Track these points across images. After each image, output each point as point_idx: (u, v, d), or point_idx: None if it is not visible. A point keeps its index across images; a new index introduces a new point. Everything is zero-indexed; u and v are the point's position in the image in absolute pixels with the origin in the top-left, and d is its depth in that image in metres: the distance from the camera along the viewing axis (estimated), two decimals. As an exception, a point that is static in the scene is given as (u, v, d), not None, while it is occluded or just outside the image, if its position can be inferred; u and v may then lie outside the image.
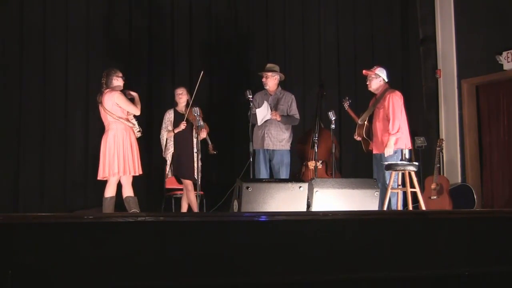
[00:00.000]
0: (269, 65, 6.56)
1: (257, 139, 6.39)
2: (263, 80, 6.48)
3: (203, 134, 6.22)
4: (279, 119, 6.34)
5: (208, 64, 7.65)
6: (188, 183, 6.26)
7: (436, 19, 8.38)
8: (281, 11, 8.07)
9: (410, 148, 6.08)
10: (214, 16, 7.74)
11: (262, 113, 6.30)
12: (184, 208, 6.34)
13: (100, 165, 5.66)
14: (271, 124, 6.35)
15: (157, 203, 6.82)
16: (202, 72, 6.21)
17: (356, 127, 6.20)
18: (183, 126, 6.23)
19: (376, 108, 6.07)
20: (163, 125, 6.44)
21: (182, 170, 6.29)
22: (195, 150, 6.23)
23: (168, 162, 6.35)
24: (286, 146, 6.45)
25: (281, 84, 6.74)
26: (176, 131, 6.28)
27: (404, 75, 8.45)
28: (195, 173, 6.16)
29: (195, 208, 6.10)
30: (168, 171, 6.37)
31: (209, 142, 6.31)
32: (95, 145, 6.99)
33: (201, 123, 6.04)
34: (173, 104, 6.51)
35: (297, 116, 6.53)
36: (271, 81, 6.48)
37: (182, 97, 6.42)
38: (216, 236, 3.03)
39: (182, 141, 6.30)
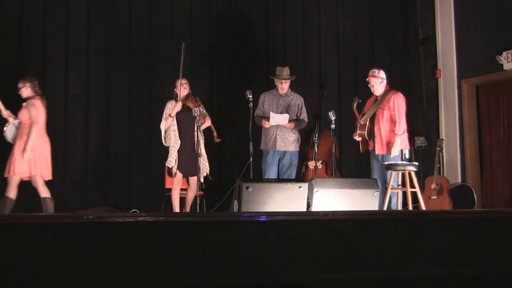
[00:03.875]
0: (286, 70, 6.52)
1: (268, 141, 6.42)
2: (282, 85, 6.48)
3: (208, 122, 6.18)
4: (292, 128, 6.40)
5: (208, 64, 7.66)
6: (194, 181, 6.11)
7: (436, 19, 8.38)
8: (281, 11, 8.07)
9: (409, 148, 6.10)
10: (214, 16, 7.73)
11: (277, 119, 6.33)
12: (176, 204, 6.14)
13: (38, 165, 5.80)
14: (281, 126, 6.39)
15: (157, 203, 6.82)
16: (183, 44, 6.09)
17: (358, 127, 6.18)
18: (179, 107, 6.07)
19: (378, 108, 6.07)
20: (164, 115, 6.20)
21: (188, 167, 6.11)
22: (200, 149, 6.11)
23: (175, 158, 6.11)
24: (296, 147, 6.51)
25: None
26: (173, 114, 6.10)
27: (404, 75, 8.44)
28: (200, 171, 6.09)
29: (188, 208, 6.06)
30: (174, 167, 6.11)
31: (213, 130, 6.24)
32: (95, 145, 7.01)
33: (204, 111, 6.03)
34: (173, 97, 6.32)
35: (306, 119, 6.58)
36: (288, 84, 6.53)
37: (186, 87, 6.22)
38: (216, 236, 3.03)
39: (186, 138, 6.12)
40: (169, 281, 2.90)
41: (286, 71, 6.51)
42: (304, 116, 6.54)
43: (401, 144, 5.97)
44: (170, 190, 6.67)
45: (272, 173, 6.42)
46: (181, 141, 6.12)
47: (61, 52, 6.89)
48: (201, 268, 2.96)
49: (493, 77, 7.71)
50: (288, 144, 6.42)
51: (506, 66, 7.44)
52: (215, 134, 6.20)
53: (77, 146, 6.92)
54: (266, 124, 6.38)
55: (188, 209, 6.10)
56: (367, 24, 8.37)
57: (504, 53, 7.41)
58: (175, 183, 6.18)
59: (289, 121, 6.38)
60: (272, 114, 6.33)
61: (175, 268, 2.92)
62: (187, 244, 2.97)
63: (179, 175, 6.15)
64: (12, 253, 2.72)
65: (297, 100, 6.56)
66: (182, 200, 6.59)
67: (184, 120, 6.15)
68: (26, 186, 6.60)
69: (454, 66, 8.14)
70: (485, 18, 7.76)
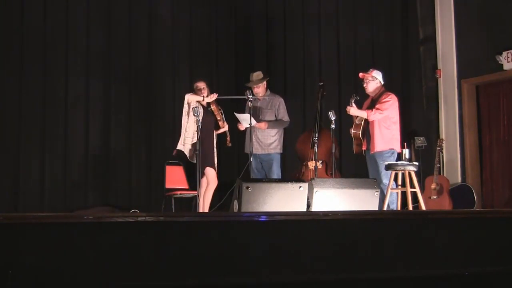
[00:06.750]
0: (255, 75, 6.56)
1: (247, 144, 6.45)
2: (255, 90, 6.52)
3: (226, 127, 6.18)
4: (264, 127, 6.43)
5: (209, 64, 7.66)
6: (211, 176, 5.98)
7: (436, 19, 8.36)
8: (281, 10, 8.07)
9: (400, 151, 6.06)
10: (214, 16, 7.74)
11: (244, 122, 6.33)
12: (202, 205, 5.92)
13: None
14: (258, 129, 6.44)
15: (157, 203, 6.82)
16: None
17: (353, 126, 6.20)
18: (214, 95, 5.95)
19: (373, 108, 6.07)
20: (185, 109, 5.96)
21: (205, 159, 5.93)
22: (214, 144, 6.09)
23: (189, 146, 5.93)
24: (276, 149, 6.55)
25: (282, 83, 6.71)
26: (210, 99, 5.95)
27: (404, 75, 8.44)
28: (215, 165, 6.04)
29: (206, 208, 5.90)
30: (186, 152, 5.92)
31: (228, 135, 6.26)
32: (95, 145, 7.01)
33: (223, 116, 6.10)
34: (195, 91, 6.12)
35: (286, 119, 6.60)
36: (261, 88, 6.57)
37: (204, 92, 6.03)
38: (216, 236, 3.03)
39: (205, 134, 5.95)
40: (169, 281, 2.90)
41: (255, 76, 6.58)
42: (282, 116, 6.57)
43: (394, 144, 5.99)
44: (170, 190, 6.69)
45: (255, 174, 6.48)
46: (201, 138, 5.79)
47: (61, 53, 6.90)
48: (201, 268, 2.96)
49: (493, 77, 7.70)
50: (265, 147, 6.50)
51: (506, 66, 7.43)
52: (228, 138, 6.23)
53: (77, 146, 6.92)
54: (240, 127, 6.42)
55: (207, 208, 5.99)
56: (367, 24, 8.37)
57: (504, 53, 7.40)
58: (204, 183, 5.97)
59: (264, 121, 6.42)
60: (237, 116, 6.34)
61: (175, 268, 2.92)
62: (187, 244, 2.97)
63: (209, 173, 5.96)
64: (12, 253, 2.72)
65: (275, 101, 6.60)
66: (178, 200, 6.59)
67: (206, 124, 5.97)
68: (26, 187, 6.63)
69: (454, 66, 8.13)
70: (485, 18, 7.75)
